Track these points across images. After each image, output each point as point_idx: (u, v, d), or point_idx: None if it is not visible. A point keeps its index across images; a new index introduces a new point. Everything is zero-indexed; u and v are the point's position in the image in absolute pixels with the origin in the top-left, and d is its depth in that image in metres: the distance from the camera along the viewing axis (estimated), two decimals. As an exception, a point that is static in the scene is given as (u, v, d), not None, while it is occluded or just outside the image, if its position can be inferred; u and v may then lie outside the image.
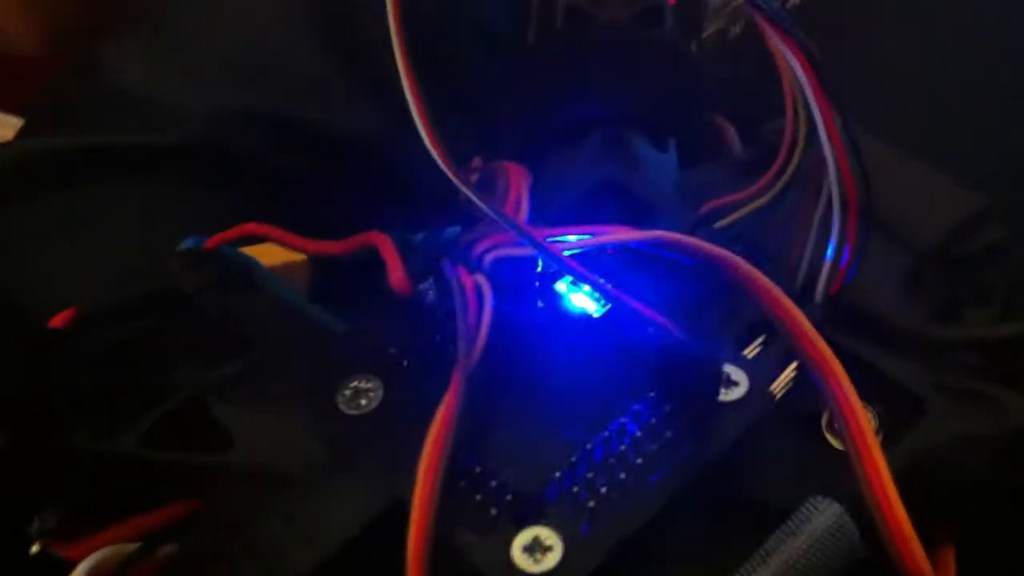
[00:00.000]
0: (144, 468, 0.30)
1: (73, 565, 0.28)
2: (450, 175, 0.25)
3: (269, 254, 0.37)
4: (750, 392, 0.27)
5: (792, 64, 0.27)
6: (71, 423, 0.30)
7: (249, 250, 0.36)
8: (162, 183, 0.43)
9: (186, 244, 0.35)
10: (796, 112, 0.31)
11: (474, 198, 0.25)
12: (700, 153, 0.39)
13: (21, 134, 0.46)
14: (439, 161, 0.25)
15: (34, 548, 0.30)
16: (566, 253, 0.26)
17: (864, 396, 0.28)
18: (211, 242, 0.35)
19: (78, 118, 0.46)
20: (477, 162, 0.35)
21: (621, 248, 0.32)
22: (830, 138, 0.29)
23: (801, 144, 0.32)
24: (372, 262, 0.34)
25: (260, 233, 0.34)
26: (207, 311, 0.33)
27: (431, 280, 0.30)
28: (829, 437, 0.30)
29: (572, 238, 0.26)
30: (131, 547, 0.28)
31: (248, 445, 0.29)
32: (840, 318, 0.31)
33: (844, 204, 0.30)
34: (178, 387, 0.30)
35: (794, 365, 0.30)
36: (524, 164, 0.33)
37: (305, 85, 0.45)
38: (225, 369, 0.31)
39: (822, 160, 0.29)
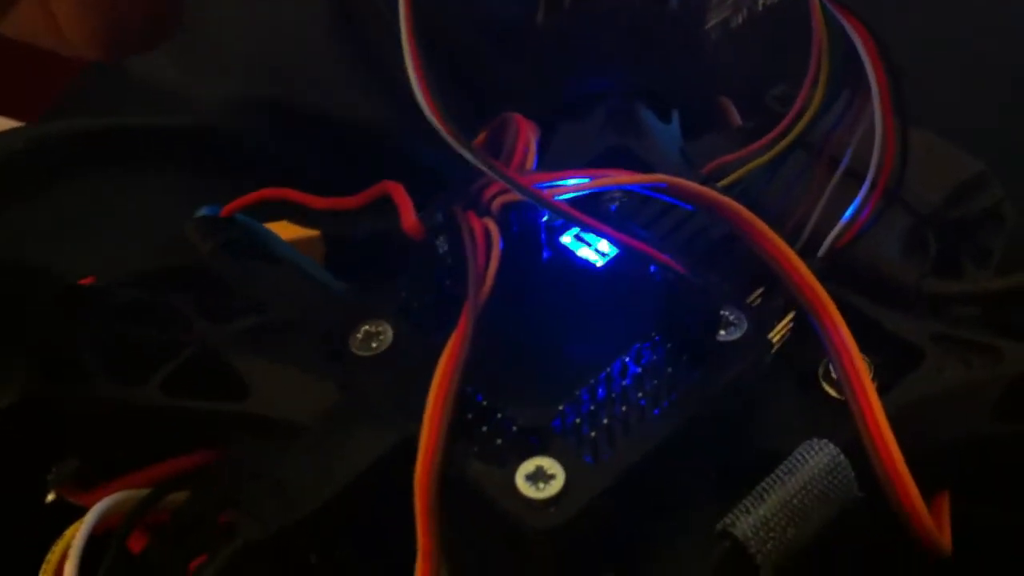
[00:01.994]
0: (162, 418, 0.30)
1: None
2: (444, 133, 0.25)
3: (284, 230, 0.38)
4: (748, 334, 0.28)
5: (852, 37, 0.28)
6: (94, 374, 0.30)
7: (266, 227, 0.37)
8: (178, 164, 0.45)
9: (203, 211, 0.36)
10: (816, 81, 0.32)
11: (469, 155, 0.25)
12: (702, 127, 0.40)
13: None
14: (432, 118, 0.26)
15: (49, 496, 0.30)
16: (567, 196, 0.27)
17: (861, 347, 0.29)
18: (227, 209, 0.36)
19: (98, 106, 0.48)
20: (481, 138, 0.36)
21: (624, 202, 0.33)
22: (884, 114, 0.30)
23: (813, 111, 0.32)
24: (385, 237, 0.35)
25: (274, 196, 0.35)
26: (222, 275, 0.34)
27: (443, 237, 0.30)
28: (826, 387, 0.30)
29: (573, 182, 0.27)
30: (142, 493, 0.29)
31: (264, 393, 0.30)
32: (841, 273, 0.32)
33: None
34: (195, 340, 0.31)
35: (792, 315, 0.30)
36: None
37: (316, 74, 0.47)
38: (240, 324, 0.32)
39: (852, 131, 0.31)
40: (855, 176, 0.32)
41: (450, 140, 0.25)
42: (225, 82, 0.45)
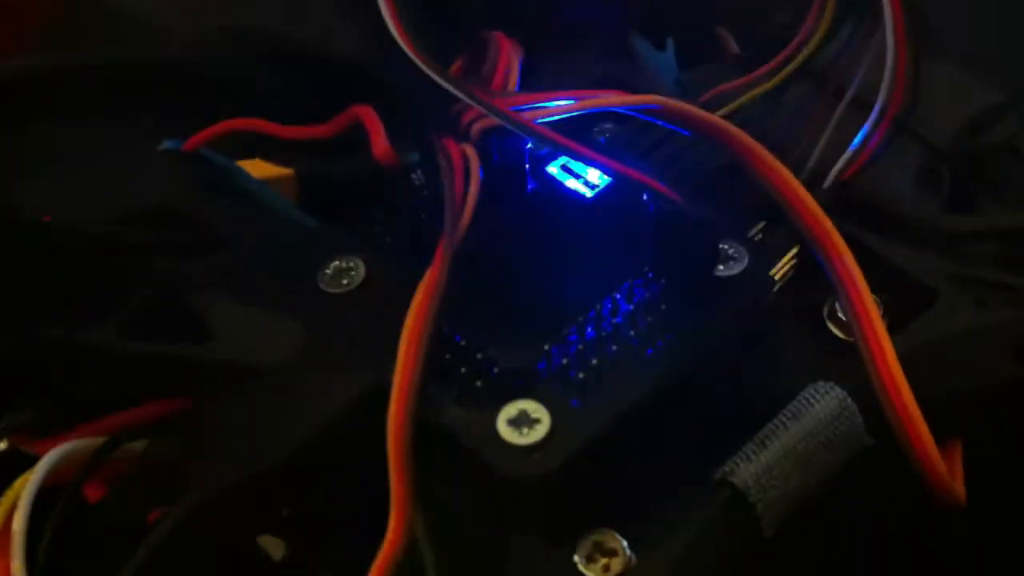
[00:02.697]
0: (120, 363, 0.29)
1: (39, 461, 0.27)
2: (410, 53, 0.23)
3: (254, 169, 0.36)
4: (748, 268, 0.26)
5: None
6: (46, 314, 0.28)
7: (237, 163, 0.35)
8: (148, 102, 0.43)
9: (166, 144, 0.34)
10: (823, 6, 0.30)
11: (439, 79, 0.23)
12: (698, 58, 0.38)
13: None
14: (399, 40, 0.23)
15: (1, 445, 0.29)
16: (552, 119, 0.25)
17: (871, 286, 0.27)
18: (191, 142, 0.34)
19: (68, 38, 0.46)
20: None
21: (616, 134, 0.31)
22: (897, 40, 0.28)
23: (820, 37, 0.30)
24: (361, 174, 0.33)
25: (242, 127, 0.33)
26: (185, 211, 0.32)
27: (419, 171, 0.28)
28: (832, 327, 0.28)
29: (558, 103, 0.25)
30: (97, 441, 0.27)
31: (229, 334, 0.28)
32: (848, 208, 0.30)
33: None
34: (156, 280, 0.29)
35: (796, 249, 0.28)
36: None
37: (296, 6, 0.45)
38: (203, 262, 0.30)
39: (859, 59, 0.29)
40: (862, 105, 0.30)
41: (417, 62, 0.23)
42: (198, 12, 0.43)
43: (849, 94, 0.30)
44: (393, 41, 0.24)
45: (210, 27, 0.43)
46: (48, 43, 0.46)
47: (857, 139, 0.29)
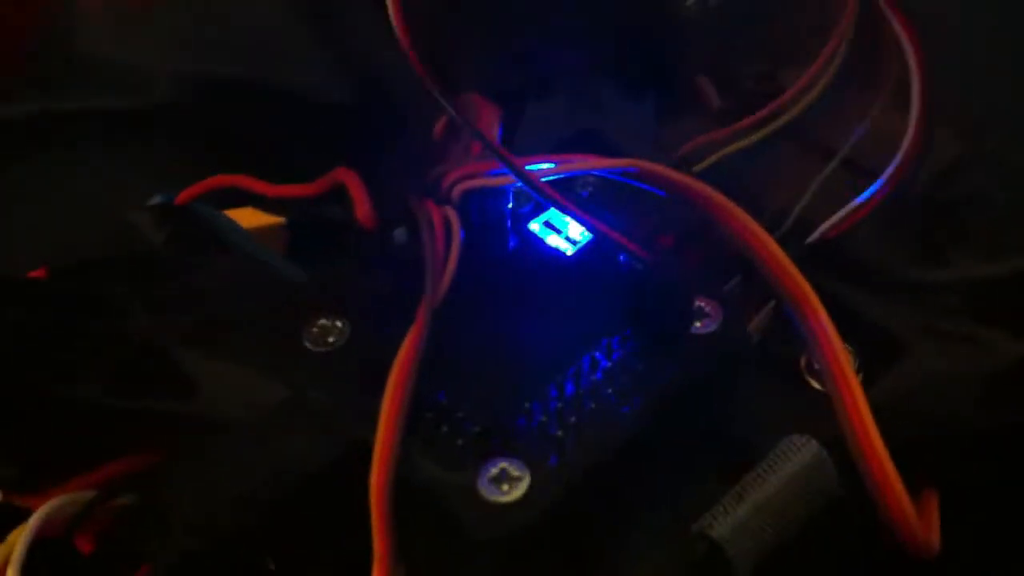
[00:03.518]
0: (106, 416, 0.29)
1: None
2: (442, 100, 0.24)
3: (245, 218, 0.37)
4: (724, 325, 0.27)
5: (897, 36, 0.27)
6: (30, 369, 0.29)
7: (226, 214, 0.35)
8: (128, 148, 0.43)
9: (156, 199, 0.34)
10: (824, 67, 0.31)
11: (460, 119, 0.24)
12: (679, 110, 0.38)
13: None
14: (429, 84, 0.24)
15: (-2, 499, 0.29)
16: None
17: (843, 337, 0.27)
18: (181, 197, 0.34)
19: (42, 83, 0.46)
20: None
21: (598, 187, 0.31)
22: (919, 115, 0.29)
23: (815, 96, 0.31)
24: (350, 223, 0.33)
25: (228, 184, 0.33)
26: (172, 266, 0.32)
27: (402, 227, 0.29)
28: (809, 379, 0.29)
29: (541, 167, 0.25)
30: (88, 495, 0.27)
31: (212, 390, 0.28)
32: (818, 261, 0.31)
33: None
34: (140, 334, 0.29)
35: (771, 304, 0.29)
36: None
37: (275, 51, 0.45)
38: (188, 318, 0.30)
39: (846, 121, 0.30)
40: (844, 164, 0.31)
41: (451, 111, 0.24)
42: (177, 57, 0.43)
43: (841, 154, 0.31)
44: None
45: (194, 74, 0.44)
46: (28, 91, 0.47)
47: (861, 198, 0.30)
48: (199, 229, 0.34)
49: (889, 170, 0.30)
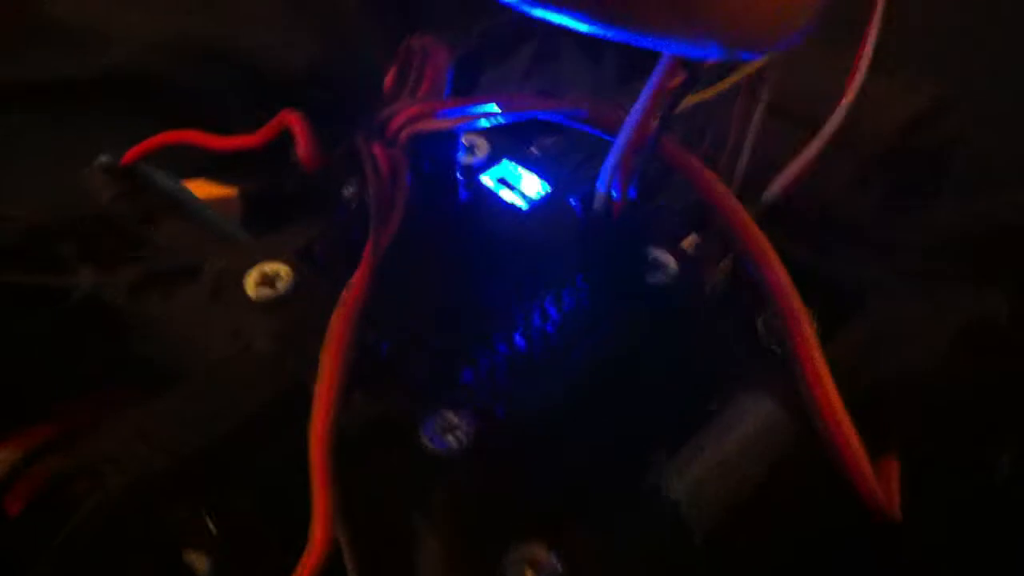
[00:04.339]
0: (39, 373, 0.28)
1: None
2: None
3: (198, 189, 0.36)
4: (679, 277, 0.26)
5: None
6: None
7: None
8: (88, 113, 0.42)
9: (102, 159, 0.34)
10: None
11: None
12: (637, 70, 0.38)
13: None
14: None
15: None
16: (486, 125, 0.24)
17: (802, 296, 0.26)
18: (128, 156, 0.34)
19: (10, 46, 0.45)
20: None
21: (550, 147, 0.30)
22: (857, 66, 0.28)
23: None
24: (304, 193, 0.33)
25: (175, 139, 0.33)
26: (119, 224, 0.32)
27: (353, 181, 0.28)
28: (766, 336, 0.28)
29: (486, 109, 0.24)
30: (16, 454, 0.26)
31: (153, 343, 0.27)
32: (779, 218, 0.30)
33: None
34: (82, 288, 0.28)
35: (729, 258, 0.28)
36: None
37: (242, 14, 0.44)
38: (131, 270, 0.29)
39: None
40: (782, 112, 0.30)
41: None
42: (148, 19, 0.43)
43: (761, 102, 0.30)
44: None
45: (153, 35, 0.43)
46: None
47: (802, 160, 0.29)
48: (147, 190, 0.33)
49: (831, 123, 0.29)
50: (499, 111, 0.24)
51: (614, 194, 0.25)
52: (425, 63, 0.26)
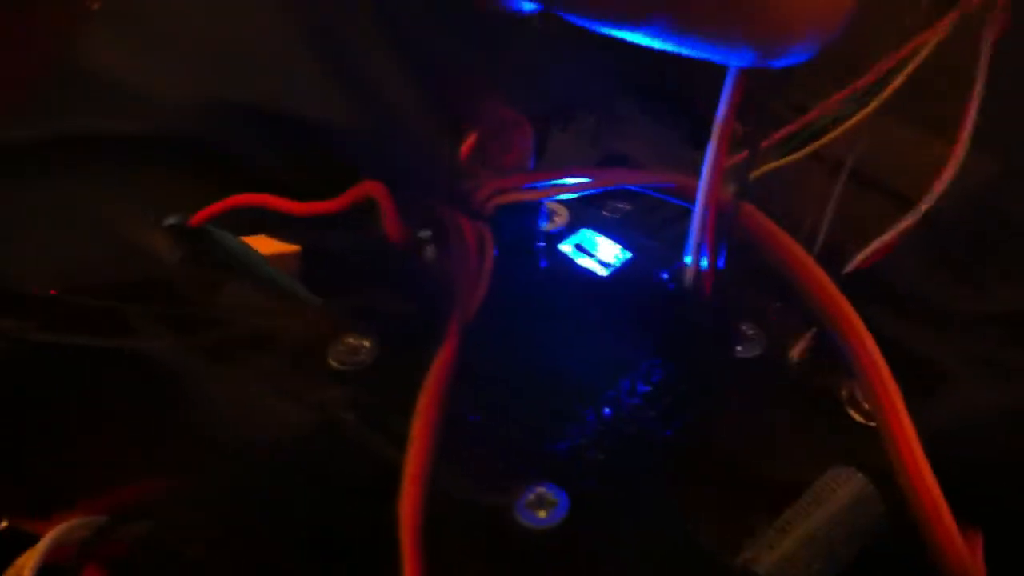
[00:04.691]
0: (119, 439, 0.28)
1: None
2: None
3: (261, 244, 0.36)
4: (767, 351, 0.26)
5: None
6: (41, 389, 0.28)
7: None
8: (140, 172, 0.42)
9: (171, 219, 0.34)
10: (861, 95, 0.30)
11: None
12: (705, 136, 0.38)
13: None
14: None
15: (2, 524, 0.28)
16: (569, 196, 0.24)
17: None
18: (197, 217, 0.34)
19: (54, 104, 0.45)
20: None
21: (627, 213, 0.30)
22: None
23: (847, 124, 0.30)
24: (364, 248, 0.33)
25: (249, 203, 0.33)
26: (188, 287, 0.32)
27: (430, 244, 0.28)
28: (850, 411, 0.28)
29: (574, 181, 0.24)
30: (99, 520, 0.26)
31: (233, 412, 0.27)
32: (857, 291, 0.30)
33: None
34: (152, 354, 0.28)
35: (812, 332, 0.28)
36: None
37: (283, 76, 0.44)
38: (207, 337, 0.29)
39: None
40: (863, 181, 0.30)
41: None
42: (191, 81, 0.43)
43: (845, 171, 0.30)
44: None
45: (208, 98, 0.43)
46: (39, 114, 0.46)
47: (898, 227, 0.29)
48: (214, 251, 0.33)
49: (929, 199, 0.29)
50: (590, 184, 0.24)
51: (702, 264, 0.24)
52: (511, 135, 0.26)
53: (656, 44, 0.19)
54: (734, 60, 0.19)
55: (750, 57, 0.20)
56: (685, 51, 0.19)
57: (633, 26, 0.19)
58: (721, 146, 0.23)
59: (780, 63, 0.20)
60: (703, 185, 0.23)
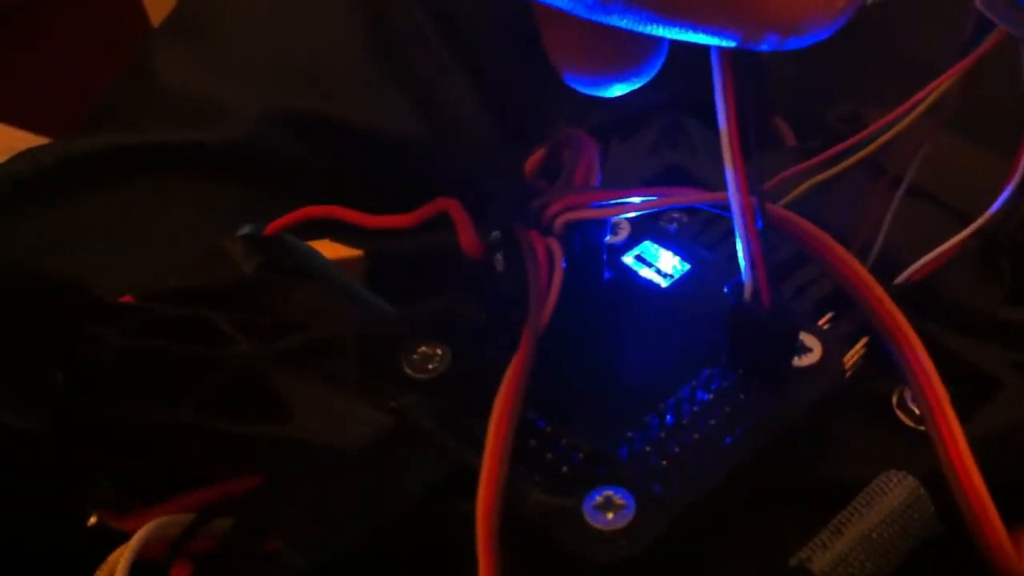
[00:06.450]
0: (203, 440, 0.29)
1: (129, 537, 0.27)
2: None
3: (326, 249, 0.37)
4: (824, 359, 0.27)
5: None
6: (128, 392, 0.29)
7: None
8: (212, 181, 0.43)
9: (246, 229, 0.35)
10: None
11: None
12: (760, 147, 0.39)
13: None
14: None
15: (91, 520, 0.29)
16: (632, 215, 0.26)
17: (938, 376, 0.27)
18: (271, 227, 0.35)
19: (128, 118, 0.47)
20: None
21: (684, 223, 0.32)
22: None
23: (889, 137, 0.31)
24: (430, 255, 0.34)
25: (323, 215, 0.34)
26: (262, 293, 0.33)
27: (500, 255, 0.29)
28: (901, 415, 0.29)
29: (638, 200, 0.26)
30: (187, 518, 0.27)
31: (308, 416, 0.28)
32: (909, 299, 0.31)
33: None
34: (235, 359, 0.30)
35: (864, 340, 0.29)
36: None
37: (349, 87, 0.46)
38: (283, 343, 0.30)
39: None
40: (918, 194, 0.31)
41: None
42: (258, 93, 0.44)
43: (905, 185, 0.31)
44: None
45: (262, 108, 0.44)
46: (113, 124, 0.48)
47: (943, 247, 0.30)
48: (288, 259, 0.34)
49: (988, 213, 0.29)
50: (655, 202, 0.25)
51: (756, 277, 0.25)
52: (580, 153, 0.27)
53: (637, 26, 0.18)
54: (716, 40, 0.19)
55: (734, 37, 0.18)
56: (672, 33, 0.19)
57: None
58: (734, 147, 0.24)
59: (767, 47, 0.19)
60: (731, 196, 0.24)
